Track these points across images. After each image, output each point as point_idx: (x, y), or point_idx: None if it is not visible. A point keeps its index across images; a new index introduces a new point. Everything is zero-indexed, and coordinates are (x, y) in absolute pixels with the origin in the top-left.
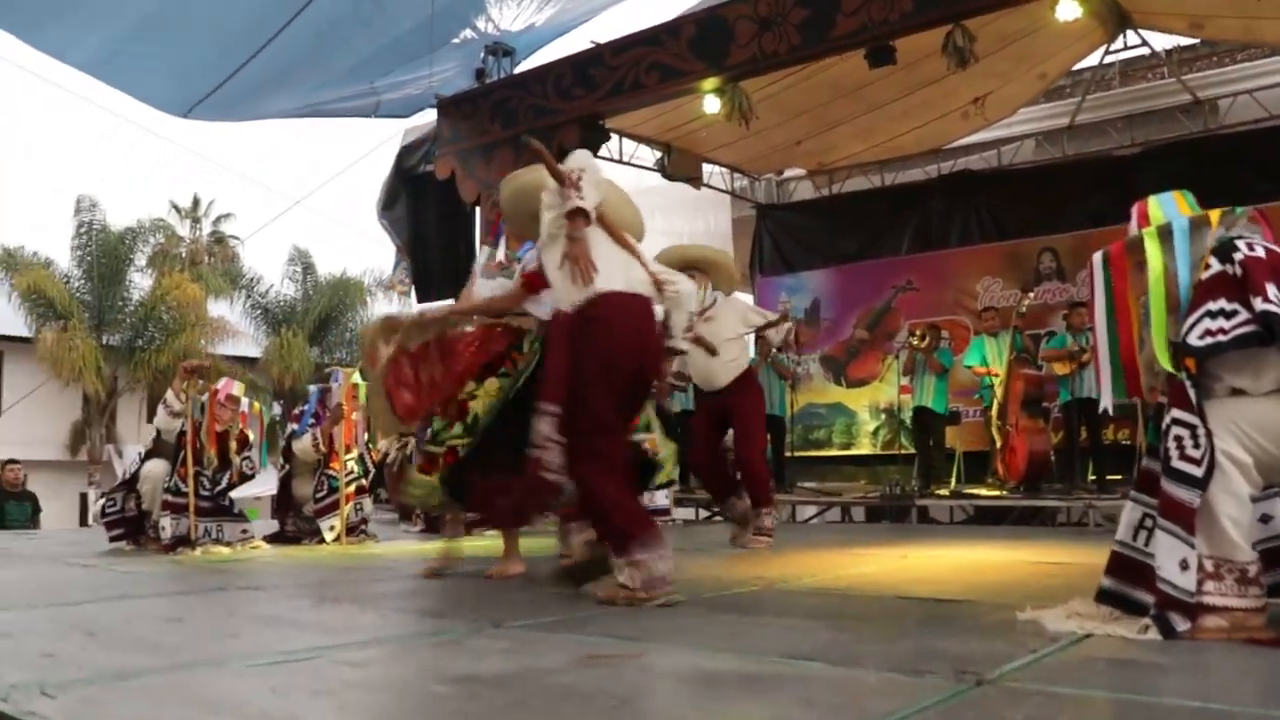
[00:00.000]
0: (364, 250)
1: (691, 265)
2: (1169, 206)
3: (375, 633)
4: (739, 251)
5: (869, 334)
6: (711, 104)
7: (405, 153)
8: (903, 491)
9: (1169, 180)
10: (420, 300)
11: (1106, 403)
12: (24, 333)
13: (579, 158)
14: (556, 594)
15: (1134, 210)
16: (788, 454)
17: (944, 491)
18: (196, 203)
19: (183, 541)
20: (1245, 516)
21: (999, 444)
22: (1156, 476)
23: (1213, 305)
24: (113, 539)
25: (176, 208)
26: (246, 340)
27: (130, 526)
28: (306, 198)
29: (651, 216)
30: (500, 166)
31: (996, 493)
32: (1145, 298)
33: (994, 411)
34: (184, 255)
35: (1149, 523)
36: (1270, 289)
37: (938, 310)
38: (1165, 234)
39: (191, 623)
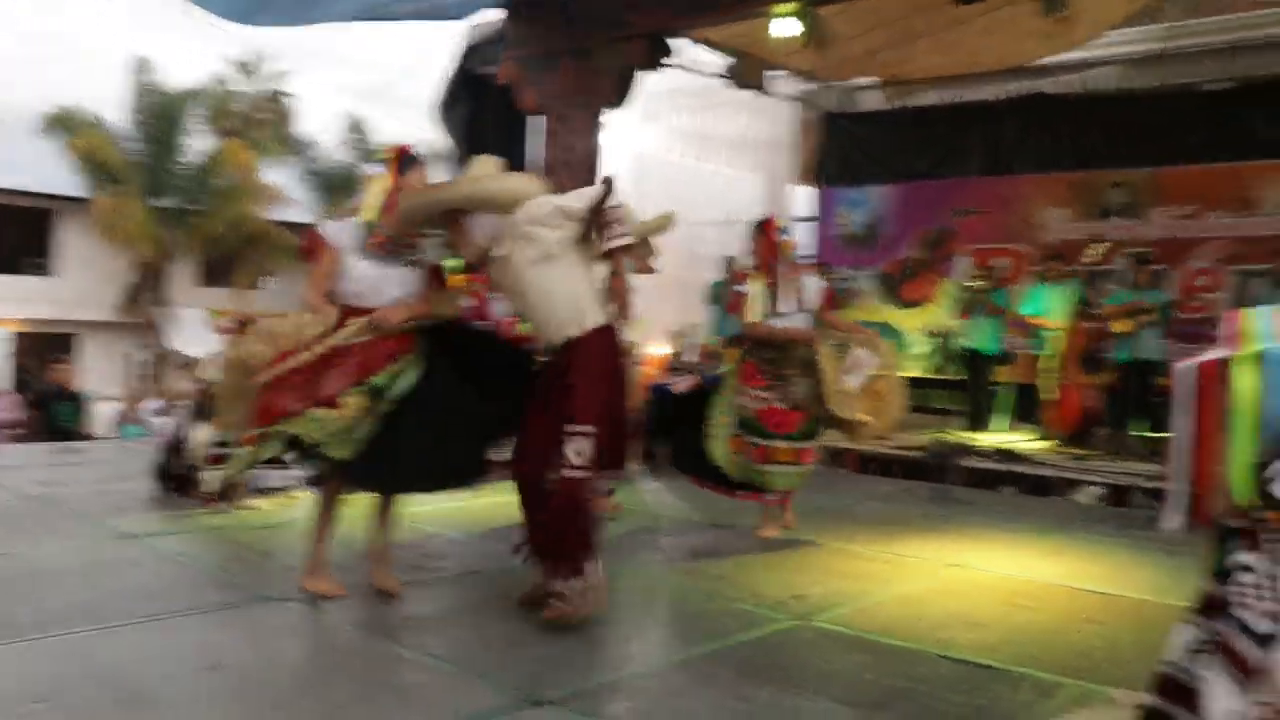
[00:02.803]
0: (420, 121)
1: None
2: (1266, 324)
3: (414, 703)
4: (802, 159)
5: (926, 255)
6: (788, 27)
7: (469, 52)
8: (946, 448)
9: (1262, 121)
10: None
11: (1172, 525)
12: (77, 193)
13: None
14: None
15: (1225, 323)
16: None
17: (989, 443)
18: (253, 59)
19: (226, 493)
20: None
21: (1050, 396)
22: (1218, 604)
23: None
24: (160, 489)
25: (233, 62)
26: (299, 208)
27: (178, 481)
28: (376, 96)
29: (715, 117)
30: (564, 78)
31: (1043, 445)
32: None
33: (1049, 364)
34: (239, 111)
35: (1205, 649)
36: None
37: (1000, 237)
38: (1260, 360)
39: (227, 675)
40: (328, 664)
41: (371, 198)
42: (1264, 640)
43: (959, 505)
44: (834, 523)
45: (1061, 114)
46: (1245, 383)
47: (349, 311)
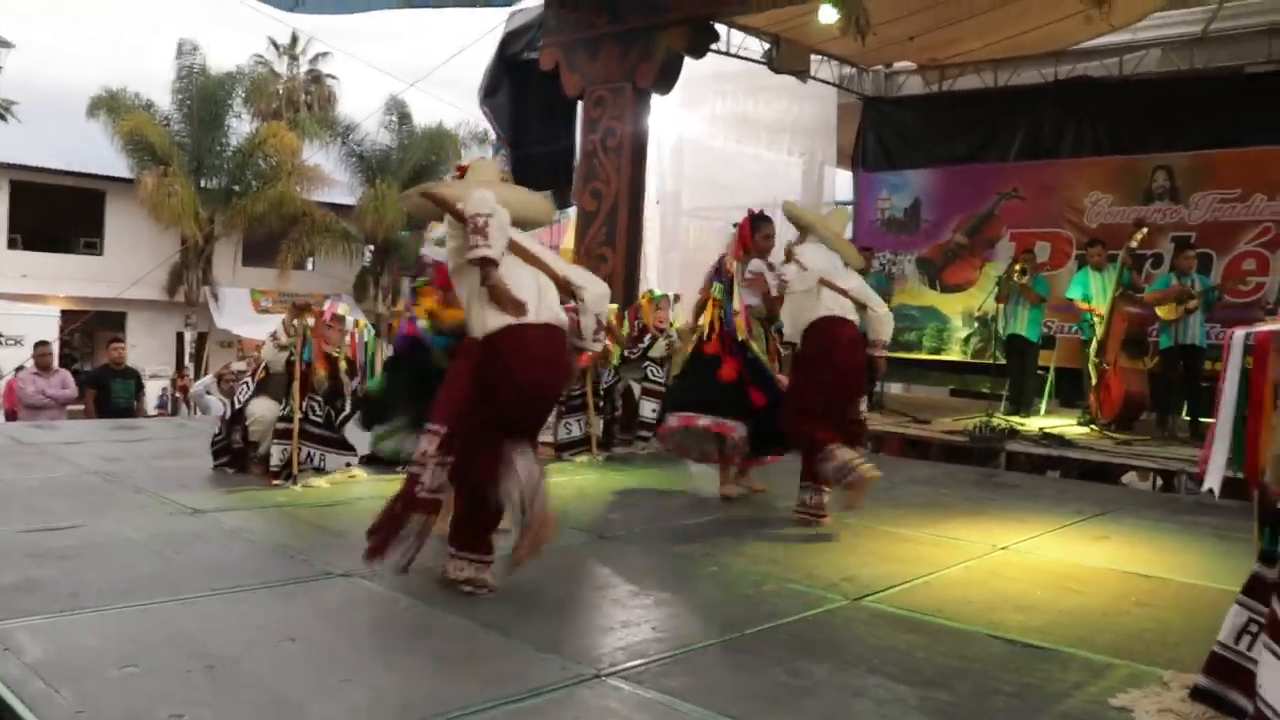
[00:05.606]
0: (460, 103)
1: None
2: None
3: (484, 675)
4: (842, 142)
5: (968, 240)
6: (828, 15)
7: (509, 39)
8: (991, 431)
9: None
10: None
11: (1214, 483)
12: (125, 174)
13: (479, 201)
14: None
15: None
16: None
17: (1033, 428)
18: (294, 39)
19: (286, 468)
20: None
21: (1094, 381)
22: (1268, 586)
23: None
24: (217, 465)
25: (275, 44)
26: (341, 189)
27: (235, 455)
28: (418, 82)
29: (756, 102)
30: (606, 63)
31: (1085, 432)
32: None
33: (1092, 348)
34: (280, 92)
35: (1253, 629)
36: None
37: (1041, 222)
38: None
39: (305, 649)
40: (397, 638)
41: None
42: None
43: (1003, 489)
44: (879, 506)
45: (1103, 98)
46: None
47: None
